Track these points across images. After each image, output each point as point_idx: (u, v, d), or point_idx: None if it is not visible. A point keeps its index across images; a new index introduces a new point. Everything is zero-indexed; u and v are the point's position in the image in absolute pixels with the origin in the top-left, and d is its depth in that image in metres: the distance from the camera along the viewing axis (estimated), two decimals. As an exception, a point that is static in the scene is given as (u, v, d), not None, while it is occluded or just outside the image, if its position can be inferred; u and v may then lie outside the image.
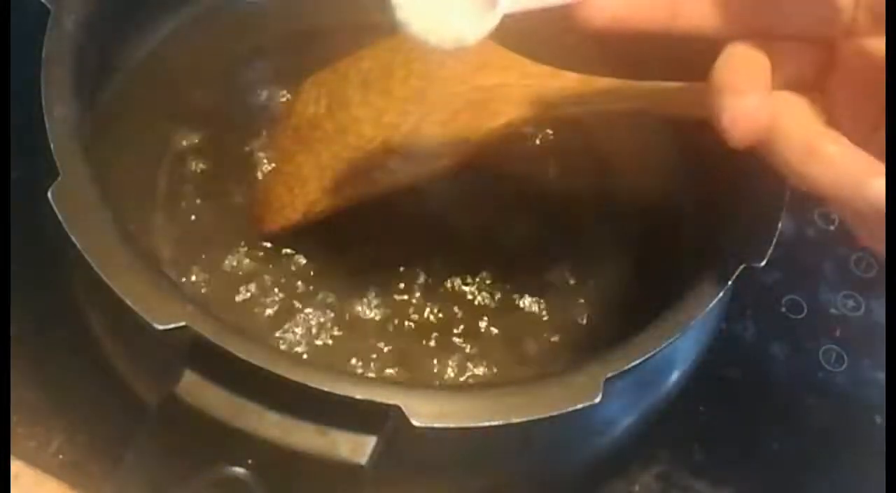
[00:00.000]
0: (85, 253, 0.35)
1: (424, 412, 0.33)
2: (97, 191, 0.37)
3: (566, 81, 0.43)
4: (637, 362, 0.35)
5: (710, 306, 0.37)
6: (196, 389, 0.34)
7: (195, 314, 0.34)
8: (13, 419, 0.42)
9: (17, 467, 0.41)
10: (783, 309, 0.50)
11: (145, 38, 0.48)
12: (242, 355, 0.34)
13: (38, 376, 0.43)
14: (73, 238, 0.35)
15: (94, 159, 0.38)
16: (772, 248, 0.38)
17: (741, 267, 0.38)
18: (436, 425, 0.33)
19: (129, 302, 0.34)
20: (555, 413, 0.34)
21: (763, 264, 0.38)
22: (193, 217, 0.45)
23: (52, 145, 0.37)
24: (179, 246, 0.44)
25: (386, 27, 0.48)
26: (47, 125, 0.37)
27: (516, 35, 0.48)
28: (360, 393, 0.33)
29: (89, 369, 0.42)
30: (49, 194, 0.36)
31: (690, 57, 0.46)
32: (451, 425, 0.34)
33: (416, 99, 0.44)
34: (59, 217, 0.35)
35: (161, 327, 0.34)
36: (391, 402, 0.33)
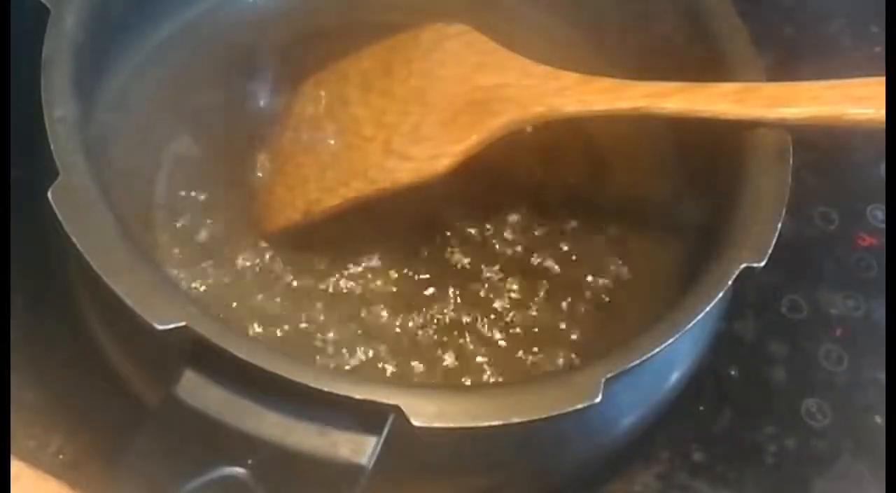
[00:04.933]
0: (85, 253, 0.35)
1: (424, 411, 0.33)
2: (97, 191, 0.37)
3: (566, 81, 0.43)
4: (637, 362, 0.35)
5: (710, 306, 0.37)
6: (196, 389, 0.34)
7: (195, 314, 0.34)
8: (13, 419, 0.42)
9: (17, 467, 0.40)
10: (783, 309, 0.50)
11: (146, 37, 0.48)
12: (242, 356, 0.34)
13: (38, 376, 0.43)
14: (73, 238, 0.35)
15: (94, 159, 0.38)
16: (772, 248, 0.38)
17: (741, 267, 0.38)
18: (436, 425, 0.33)
19: (129, 302, 0.34)
20: (555, 413, 0.34)
21: (763, 264, 0.38)
22: (193, 217, 0.45)
23: (52, 145, 0.37)
24: (179, 246, 0.44)
25: (386, 27, 0.49)
26: (47, 125, 0.37)
27: (517, 35, 0.48)
28: (360, 393, 0.33)
29: (89, 369, 0.42)
30: (49, 194, 0.36)
31: (690, 58, 0.46)
32: (451, 425, 0.34)
33: (415, 99, 0.44)
34: (59, 217, 0.35)
35: (161, 327, 0.34)
36: (391, 402, 0.33)
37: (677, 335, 0.36)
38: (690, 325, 0.36)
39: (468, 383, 0.43)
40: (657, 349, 0.36)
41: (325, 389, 0.33)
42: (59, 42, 0.40)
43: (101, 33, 0.42)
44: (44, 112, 0.38)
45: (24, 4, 0.40)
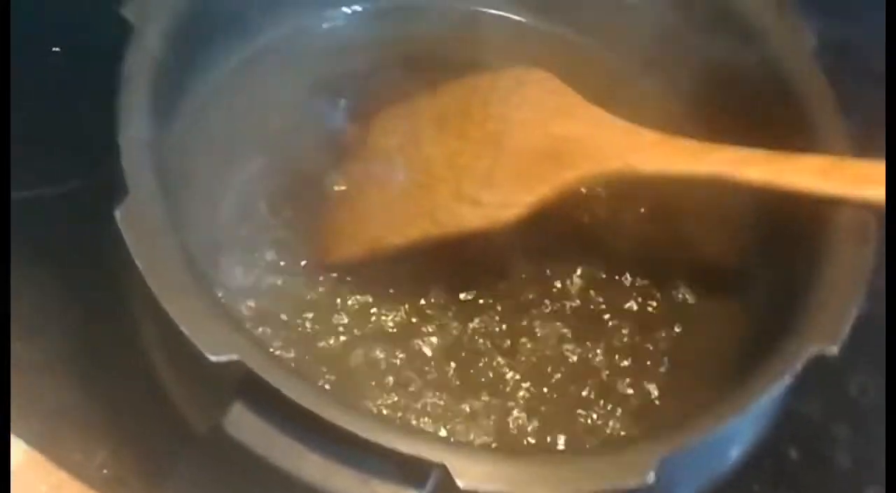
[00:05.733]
0: (145, 276, 0.35)
1: (470, 473, 0.33)
2: (164, 211, 0.37)
3: (645, 139, 0.42)
4: (693, 442, 0.34)
5: (776, 389, 0.36)
6: (243, 422, 0.34)
7: (248, 349, 0.34)
8: (61, 426, 0.42)
9: (59, 477, 0.41)
10: (852, 391, 0.48)
11: (223, 61, 0.47)
12: (291, 396, 0.33)
13: (91, 388, 0.43)
14: (136, 260, 0.35)
15: (164, 179, 0.38)
16: (846, 334, 0.37)
17: (811, 352, 0.36)
18: (480, 488, 0.32)
19: (184, 330, 0.34)
20: (604, 489, 0.33)
21: (836, 350, 0.36)
22: (259, 241, 0.45)
23: (123, 164, 0.37)
24: (242, 271, 0.44)
25: (468, 64, 0.48)
26: (120, 143, 0.37)
27: (598, 83, 0.47)
28: (406, 447, 0.33)
29: (141, 387, 0.41)
30: (116, 214, 0.36)
31: (773, 120, 0.45)
32: (497, 489, 0.33)
33: (491, 143, 0.44)
34: (125, 237, 0.35)
35: (214, 359, 0.34)
36: (437, 460, 0.33)
37: (738, 417, 0.35)
38: (752, 407, 0.35)
39: (516, 434, 0.42)
40: (715, 430, 0.34)
41: (371, 439, 0.33)
42: (140, 59, 0.40)
43: (183, 52, 0.42)
44: (118, 129, 0.38)
45: (107, 19, 0.40)
